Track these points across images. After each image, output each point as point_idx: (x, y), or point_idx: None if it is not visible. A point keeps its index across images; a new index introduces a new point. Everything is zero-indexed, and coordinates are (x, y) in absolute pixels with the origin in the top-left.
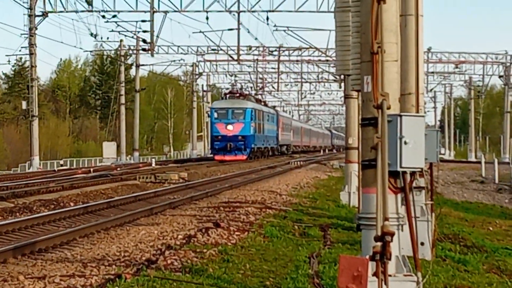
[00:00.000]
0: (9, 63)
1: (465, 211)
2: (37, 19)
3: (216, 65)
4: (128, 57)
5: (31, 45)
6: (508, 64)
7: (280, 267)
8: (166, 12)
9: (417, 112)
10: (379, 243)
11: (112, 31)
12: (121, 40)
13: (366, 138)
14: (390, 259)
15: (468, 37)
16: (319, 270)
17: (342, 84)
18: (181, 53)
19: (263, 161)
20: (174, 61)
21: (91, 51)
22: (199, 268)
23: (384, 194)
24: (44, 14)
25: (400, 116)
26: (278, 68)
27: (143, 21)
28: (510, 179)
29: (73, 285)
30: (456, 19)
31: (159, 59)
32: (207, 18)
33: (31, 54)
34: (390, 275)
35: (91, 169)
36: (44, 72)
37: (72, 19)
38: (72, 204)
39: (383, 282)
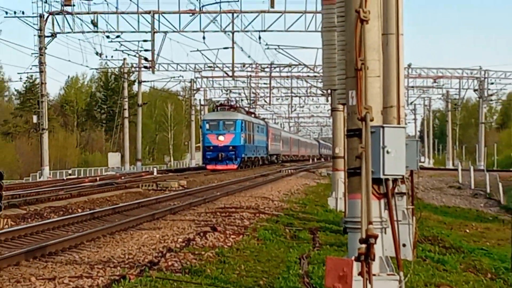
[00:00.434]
0: (20, 80)
1: (443, 214)
2: (47, 40)
3: (213, 81)
4: (131, 74)
5: (41, 63)
6: (482, 78)
7: (273, 268)
8: (165, 32)
9: (399, 123)
10: (363, 245)
11: (116, 50)
12: (124, 59)
13: (352, 148)
14: (374, 260)
15: (445, 54)
16: (308, 270)
17: (329, 98)
18: (180, 70)
19: (257, 170)
20: (173, 77)
21: (96, 69)
22: (197, 269)
23: (368, 199)
24: (53, 35)
25: (383, 127)
26: (270, 83)
27: (144, 40)
28: (485, 185)
29: (81, 286)
30: (434, 37)
31: (159, 76)
32: (203, 37)
33: (41, 72)
34: (374, 275)
35: (97, 178)
36: (53, 88)
37: (79, 39)
38: (79, 210)
39: (367, 281)
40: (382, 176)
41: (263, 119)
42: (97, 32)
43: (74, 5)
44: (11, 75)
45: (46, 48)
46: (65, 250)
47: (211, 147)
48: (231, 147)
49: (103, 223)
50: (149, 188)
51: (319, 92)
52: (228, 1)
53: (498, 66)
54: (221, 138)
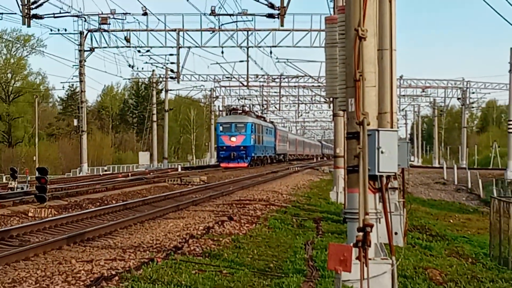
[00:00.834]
0: (63, 89)
1: (430, 207)
2: (86, 53)
3: (230, 89)
4: (158, 83)
5: (81, 74)
6: (465, 88)
7: (282, 252)
8: (189, 47)
9: (392, 127)
10: (361, 233)
11: (146, 62)
12: (153, 70)
13: (351, 148)
14: (370, 246)
15: (432, 67)
16: (313, 255)
17: (331, 105)
18: (202, 80)
19: (268, 167)
20: (195, 86)
21: (129, 79)
22: (216, 253)
23: (365, 193)
24: (91, 49)
25: (378, 131)
26: (280, 92)
27: (171, 54)
28: (467, 181)
29: (114, 267)
30: (423, 52)
31: (183, 85)
32: (222, 52)
33: (80, 81)
34: (370, 259)
35: (129, 174)
36: (91, 95)
37: (114, 53)
38: (114, 202)
39: (364, 265)
40: (377, 173)
41: (272, 122)
42: (129, 47)
43: (109, 24)
44: (55, 84)
45: (85, 61)
46: (101, 236)
47: (224, 147)
48: (242, 147)
49: (134, 213)
50: (174, 183)
51: (322, 99)
52: (244, 21)
53: (479, 77)
54: (233, 139)
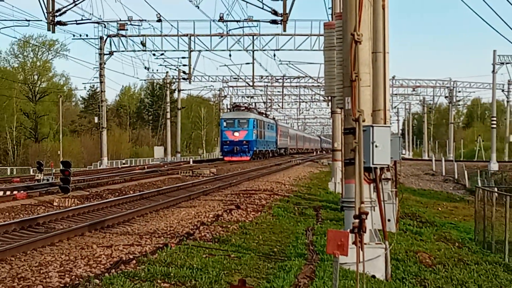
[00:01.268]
0: (85, 89)
1: (420, 196)
2: (105, 57)
3: (237, 89)
4: (172, 84)
5: (101, 75)
6: (452, 88)
7: (285, 238)
8: (200, 51)
9: (385, 123)
10: (357, 220)
11: (160, 65)
12: (167, 72)
13: (347, 142)
14: (365, 232)
15: (422, 68)
16: (313, 240)
17: (330, 103)
18: (211, 81)
19: (272, 160)
20: (206, 87)
21: (144, 80)
22: (225, 238)
23: (360, 184)
24: (110, 53)
25: (372, 126)
26: (282, 91)
27: (183, 57)
28: (454, 173)
29: (132, 252)
30: (413, 54)
31: (195, 85)
32: (230, 55)
33: (101, 82)
34: (365, 244)
35: (145, 166)
36: (111, 95)
37: (131, 56)
38: (131, 192)
39: (360, 249)
40: (371, 165)
41: (273, 118)
42: (145, 51)
43: (127, 30)
44: (77, 84)
45: (105, 64)
46: (120, 223)
47: (228, 142)
48: (244, 142)
49: (150, 202)
50: (186, 175)
51: (321, 98)
52: (249, 26)
53: (465, 77)
54: (236, 134)
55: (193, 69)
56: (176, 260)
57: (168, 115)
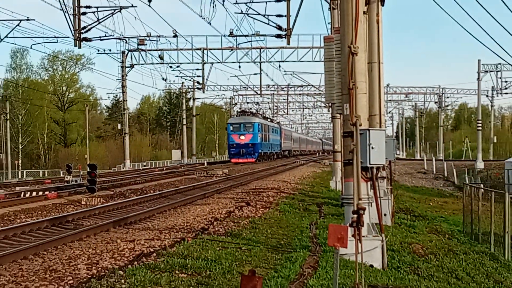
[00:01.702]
0: (108, 99)
1: (413, 192)
2: (127, 69)
3: (246, 97)
4: (187, 93)
5: (123, 86)
6: (441, 94)
7: (290, 231)
8: (212, 63)
9: (380, 127)
10: (355, 215)
11: (177, 76)
12: (182, 82)
13: (346, 145)
14: (363, 226)
15: (414, 76)
16: (316, 233)
17: (330, 109)
18: (222, 90)
19: (278, 161)
20: (218, 95)
21: (162, 90)
22: (236, 233)
23: (358, 182)
24: (131, 66)
25: (369, 130)
26: (287, 99)
27: (197, 69)
28: (443, 171)
29: (152, 245)
30: (406, 64)
31: (208, 94)
32: (239, 66)
33: (123, 92)
34: (363, 236)
35: (164, 168)
36: (132, 104)
37: (150, 69)
38: (151, 191)
39: (358, 241)
40: (368, 165)
41: (278, 122)
42: (162, 63)
43: (146, 45)
44: (102, 94)
45: (126, 75)
46: (141, 220)
47: (234, 145)
48: (250, 145)
49: (168, 200)
50: (201, 175)
51: (322, 105)
52: (257, 40)
53: (452, 84)
54: (242, 137)
55: (206, 79)
56: (193, 253)
57: (184, 121)
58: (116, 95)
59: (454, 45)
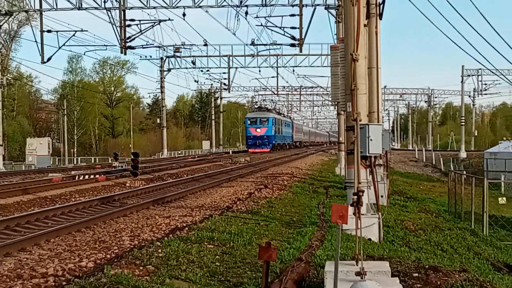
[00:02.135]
0: (149, 97)
1: (406, 177)
2: (165, 73)
3: (264, 97)
4: (215, 93)
5: (161, 87)
6: (430, 94)
7: (302, 210)
8: (236, 68)
9: (378, 122)
10: (355, 196)
11: (207, 78)
12: (211, 84)
13: (349, 137)
14: (362, 205)
15: (407, 79)
16: (323, 212)
17: (335, 107)
18: (245, 90)
19: (292, 150)
20: (241, 95)
21: (195, 90)
22: (256, 211)
23: (358, 169)
24: (168, 70)
25: (368, 125)
26: (300, 98)
27: (223, 73)
28: (432, 160)
29: (185, 221)
30: (400, 68)
31: (233, 94)
32: (259, 71)
33: (161, 92)
34: (362, 214)
35: (196, 156)
36: (169, 101)
37: (184, 72)
38: (185, 175)
39: (358, 219)
40: (367, 154)
41: (290, 117)
42: (195, 68)
43: (181, 52)
44: (144, 94)
45: (164, 78)
46: (176, 199)
47: (251, 137)
48: (265, 136)
49: (199, 183)
50: (227, 162)
51: (329, 103)
52: (274, 49)
53: (440, 86)
54: (258, 130)
55: (231, 81)
56: (219, 227)
57: (213, 117)
58: (156, 94)
59: (442, 53)
